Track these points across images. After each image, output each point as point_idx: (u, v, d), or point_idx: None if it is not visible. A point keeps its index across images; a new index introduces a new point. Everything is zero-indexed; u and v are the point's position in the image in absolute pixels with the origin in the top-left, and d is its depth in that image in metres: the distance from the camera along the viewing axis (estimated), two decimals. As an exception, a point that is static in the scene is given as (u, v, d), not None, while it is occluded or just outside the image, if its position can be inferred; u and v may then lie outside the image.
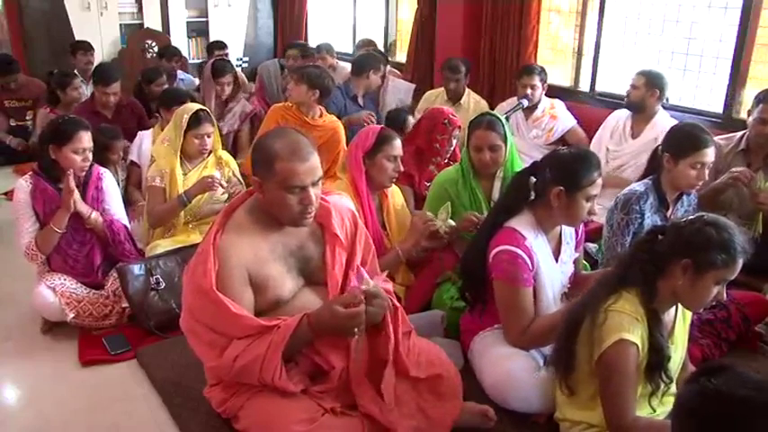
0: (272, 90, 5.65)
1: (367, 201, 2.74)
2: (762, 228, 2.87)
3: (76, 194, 2.70)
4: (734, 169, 2.86)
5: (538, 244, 2.19)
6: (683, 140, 2.60)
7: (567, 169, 2.15)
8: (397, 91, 5.03)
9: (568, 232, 2.33)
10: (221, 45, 5.91)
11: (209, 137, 3.12)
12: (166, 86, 4.68)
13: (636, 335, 1.75)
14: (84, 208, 2.75)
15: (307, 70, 3.87)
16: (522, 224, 2.19)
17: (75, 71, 5.34)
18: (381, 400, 1.92)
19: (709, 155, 2.56)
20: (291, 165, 1.83)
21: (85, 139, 2.74)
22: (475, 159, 2.77)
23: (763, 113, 3.04)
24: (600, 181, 2.17)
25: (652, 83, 3.65)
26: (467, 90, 4.61)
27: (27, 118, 5.24)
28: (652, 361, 1.79)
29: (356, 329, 1.82)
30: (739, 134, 3.21)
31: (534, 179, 2.22)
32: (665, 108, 3.78)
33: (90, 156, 2.79)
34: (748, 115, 3.17)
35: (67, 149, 2.70)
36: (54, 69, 5.19)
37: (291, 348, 1.85)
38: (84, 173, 2.79)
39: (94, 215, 2.79)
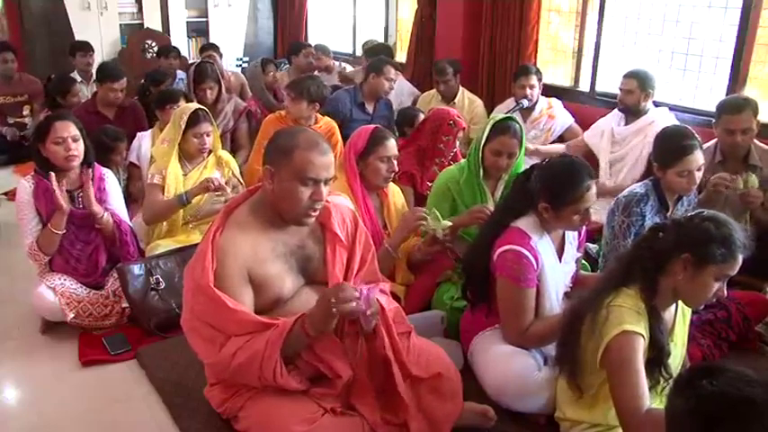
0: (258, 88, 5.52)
1: (363, 201, 2.73)
2: (753, 224, 2.82)
3: (91, 193, 2.70)
4: (712, 179, 2.80)
5: (543, 244, 2.19)
6: (667, 150, 2.59)
7: (551, 185, 2.14)
8: (400, 92, 4.97)
9: (571, 233, 2.33)
10: (212, 47, 5.79)
11: (208, 136, 3.12)
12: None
13: (639, 326, 1.75)
14: (97, 208, 2.74)
15: (304, 85, 3.75)
16: (527, 225, 2.19)
17: (75, 72, 5.34)
18: (387, 408, 1.93)
19: (695, 161, 2.53)
20: (311, 155, 1.85)
21: (62, 128, 2.69)
22: (490, 161, 2.74)
23: (727, 125, 2.99)
24: (592, 192, 2.13)
25: (644, 85, 3.62)
26: (461, 89, 4.60)
27: (24, 113, 5.23)
28: (652, 356, 1.78)
29: (344, 305, 1.75)
30: (713, 144, 3.13)
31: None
32: (657, 105, 3.78)
33: (78, 147, 2.73)
34: (714, 128, 3.10)
35: (49, 143, 2.70)
36: (52, 73, 5.19)
37: (289, 348, 1.84)
38: (73, 163, 2.73)
39: (106, 216, 2.79)
